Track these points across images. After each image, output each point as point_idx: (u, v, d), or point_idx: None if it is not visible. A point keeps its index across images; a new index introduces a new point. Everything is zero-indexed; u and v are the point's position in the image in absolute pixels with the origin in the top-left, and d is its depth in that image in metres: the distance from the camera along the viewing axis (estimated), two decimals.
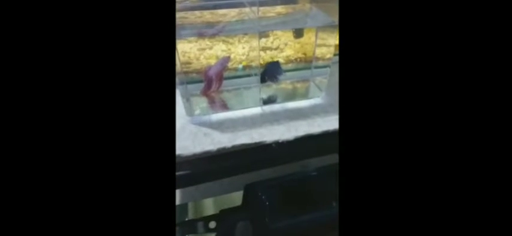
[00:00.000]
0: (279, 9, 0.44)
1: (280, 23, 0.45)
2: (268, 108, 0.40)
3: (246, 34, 0.41)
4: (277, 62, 0.41)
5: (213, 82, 0.38)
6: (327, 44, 0.41)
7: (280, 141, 0.34)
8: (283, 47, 0.46)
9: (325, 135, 0.36)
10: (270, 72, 0.40)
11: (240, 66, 0.44)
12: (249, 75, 0.43)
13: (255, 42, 0.38)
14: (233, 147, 0.34)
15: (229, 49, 0.42)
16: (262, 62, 0.43)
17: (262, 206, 0.52)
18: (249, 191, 0.43)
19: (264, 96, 0.42)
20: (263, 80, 0.40)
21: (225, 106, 0.42)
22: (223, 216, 0.41)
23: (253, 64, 0.43)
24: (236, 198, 0.66)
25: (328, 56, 0.42)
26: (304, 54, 0.46)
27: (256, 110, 0.40)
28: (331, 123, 0.37)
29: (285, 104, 0.42)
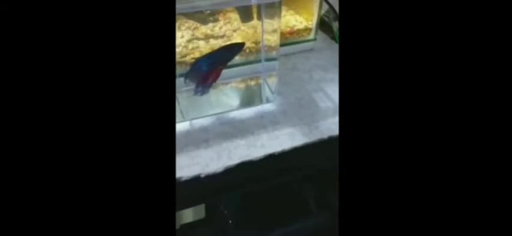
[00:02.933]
0: None
1: (224, 3, 0.34)
2: (198, 122, 0.30)
3: (189, 18, 0.31)
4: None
5: None
6: (271, 29, 0.30)
7: (202, 176, 0.24)
8: (230, 34, 0.35)
9: (265, 160, 0.26)
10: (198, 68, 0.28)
11: None
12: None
13: (200, 30, 0.29)
14: None
15: None
16: (199, 56, 0.33)
17: (224, 222, 0.45)
18: (211, 204, 0.39)
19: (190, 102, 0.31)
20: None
21: None
22: (184, 232, 0.38)
23: (187, 59, 0.32)
24: (199, 210, 0.58)
25: (275, 44, 0.31)
26: (255, 43, 0.35)
27: (182, 127, 0.29)
28: (278, 141, 0.27)
29: (224, 115, 0.31)
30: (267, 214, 0.50)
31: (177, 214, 0.59)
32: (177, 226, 0.56)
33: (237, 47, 0.29)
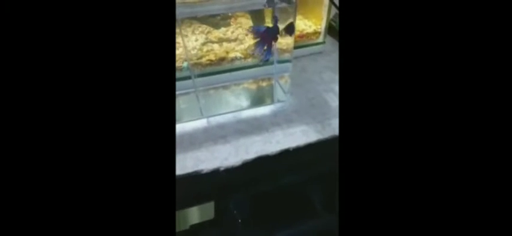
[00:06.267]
0: None
1: (237, 7, 0.36)
2: (215, 120, 0.31)
3: (202, 23, 0.32)
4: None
5: None
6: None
7: (221, 169, 0.26)
8: (243, 37, 0.37)
9: (280, 155, 0.27)
10: None
11: (185, 64, 0.35)
12: (188, 77, 0.34)
13: (214, 34, 0.30)
14: None
15: (179, 42, 0.33)
16: (213, 58, 0.35)
17: (234, 222, 0.46)
18: (221, 204, 0.38)
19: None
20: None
21: None
22: (194, 232, 0.38)
23: (203, 61, 0.34)
24: (209, 210, 0.59)
25: (288, 46, 0.33)
26: None
27: (200, 123, 0.31)
28: (292, 137, 0.28)
29: (239, 113, 0.32)
30: (276, 214, 0.51)
31: (186, 214, 0.60)
32: (187, 227, 0.57)
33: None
